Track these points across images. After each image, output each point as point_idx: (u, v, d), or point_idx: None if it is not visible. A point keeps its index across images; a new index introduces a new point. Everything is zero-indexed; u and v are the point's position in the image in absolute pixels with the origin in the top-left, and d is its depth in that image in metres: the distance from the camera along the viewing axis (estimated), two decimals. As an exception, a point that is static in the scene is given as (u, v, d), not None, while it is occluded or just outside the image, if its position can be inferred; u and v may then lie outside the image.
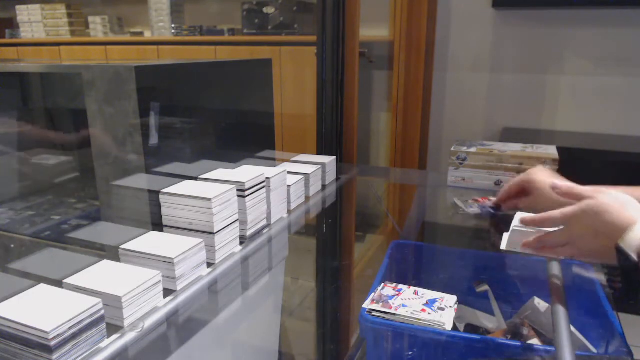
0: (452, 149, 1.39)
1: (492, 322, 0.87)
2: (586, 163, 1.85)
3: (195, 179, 1.01)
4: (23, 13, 3.59)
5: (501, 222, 1.16)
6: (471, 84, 2.41)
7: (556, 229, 0.72)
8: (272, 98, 1.34)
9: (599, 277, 0.83)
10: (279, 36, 2.78)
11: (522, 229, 0.99)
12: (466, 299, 0.91)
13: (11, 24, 3.95)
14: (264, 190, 1.03)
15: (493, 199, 1.15)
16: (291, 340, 0.82)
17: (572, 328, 0.67)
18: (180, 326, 0.75)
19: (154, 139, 0.90)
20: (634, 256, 0.59)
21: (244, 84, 1.20)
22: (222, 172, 1.03)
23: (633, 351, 0.63)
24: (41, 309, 0.63)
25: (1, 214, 1.13)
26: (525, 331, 0.75)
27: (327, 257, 1.11)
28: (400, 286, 0.72)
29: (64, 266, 0.92)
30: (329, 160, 1.41)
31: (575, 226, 0.68)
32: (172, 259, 0.78)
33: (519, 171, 1.33)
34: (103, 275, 0.74)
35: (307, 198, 1.28)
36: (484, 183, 1.37)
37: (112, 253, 0.86)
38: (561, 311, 0.60)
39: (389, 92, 2.55)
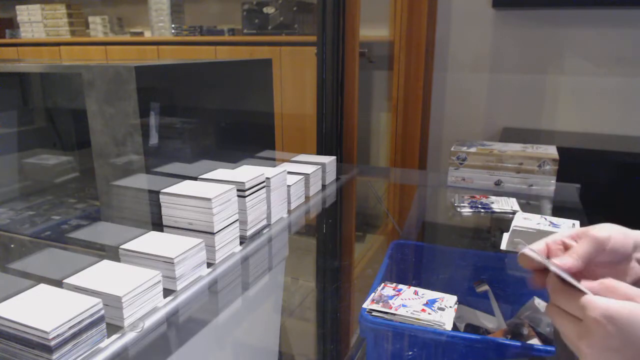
0: (452, 149, 1.39)
1: (492, 322, 0.87)
2: (586, 163, 1.85)
3: (195, 179, 1.01)
4: (23, 13, 3.59)
5: (501, 222, 1.16)
6: (471, 84, 2.41)
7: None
8: (272, 98, 1.34)
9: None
10: (279, 36, 2.78)
11: (522, 229, 0.99)
12: (466, 299, 0.91)
13: (11, 24, 3.95)
14: (264, 190, 1.03)
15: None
16: (291, 340, 0.82)
17: (572, 328, 0.67)
18: (180, 326, 0.75)
19: (154, 139, 0.90)
20: None
21: (244, 84, 1.20)
22: (222, 172, 1.03)
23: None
24: (41, 309, 0.63)
25: (1, 214, 1.13)
26: (525, 331, 0.75)
27: (327, 257, 1.11)
28: (400, 286, 0.72)
29: (64, 266, 0.92)
30: (329, 160, 1.41)
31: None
32: (172, 259, 0.78)
33: (518, 171, 1.33)
34: (103, 275, 0.74)
35: (307, 198, 1.28)
36: (484, 183, 1.37)
37: (112, 253, 0.86)
38: (561, 311, 0.59)
39: (389, 92, 2.55)
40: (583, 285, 0.47)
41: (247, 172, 1.02)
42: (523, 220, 1.03)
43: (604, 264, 0.53)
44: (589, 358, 0.44)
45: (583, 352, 0.45)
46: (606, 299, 0.44)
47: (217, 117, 1.10)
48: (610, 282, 0.47)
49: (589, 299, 0.45)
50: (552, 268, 0.49)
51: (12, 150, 1.24)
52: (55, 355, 0.59)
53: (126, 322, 0.70)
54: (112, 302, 0.69)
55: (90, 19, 3.48)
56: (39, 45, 3.49)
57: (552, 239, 0.56)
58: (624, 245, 0.52)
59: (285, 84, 2.64)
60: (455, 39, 2.39)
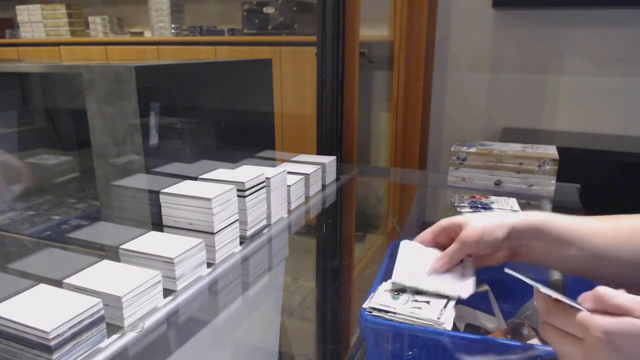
0: (452, 149, 1.39)
1: (492, 322, 0.87)
2: (586, 163, 1.85)
3: (195, 179, 1.01)
4: (23, 13, 3.59)
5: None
6: (471, 84, 2.41)
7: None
8: (272, 98, 1.34)
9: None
10: (279, 36, 2.78)
11: None
12: (466, 299, 0.91)
13: (11, 24, 3.95)
14: (264, 190, 1.03)
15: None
16: (291, 340, 0.82)
17: (572, 328, 0.67)
18: (180, 326, 0.75)
19: (154, 139, 0.90)
20: None
21: (244, 84, 1.20)
22: (222, 172, 1.03)
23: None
24: (41, 309, 0.63)
25: (1, 214, 1.13)
26: (525, 331, 0.75)
27: (327, 257, 1.10)
28: (400, 286, 0.72)
29: (64, 266, 0.92)
30: (329, 160, 1.41)
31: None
32: (172, 259, 0.78)
33: (518, 171, 1.33)
34: (103, 275, 0.74)
35: (307, 198, 1.28)
36: (484, 183, 1.37)
37: (112, 253, 0.86)
38: (561, 311, 0.59)
39: (389, 92, 2.55)
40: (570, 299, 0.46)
41: (247, 172, 1.02)
42: (523, 220, 1.03)
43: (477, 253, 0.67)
44: None
45: None
46: (603, 316, 0.43)
47: (217, 117, 1.10)
48: (598, 292, 0.45)
49: (588, 316, 0.44)
50: (545, 290, 0.49)
51: (12, 150, 1.24)
52: (55, 355, 0.59)
53: (126, 322, 0.70)
54: (112, 302, 0.69)
55: (90, 19, 3.48)
56: (39, 45, 3.49)
57: (435, 228, 0.69)
58: (493, 237, 0.63)
59: (285, 84, 2.64)
60: (455, 39, 2.39)
